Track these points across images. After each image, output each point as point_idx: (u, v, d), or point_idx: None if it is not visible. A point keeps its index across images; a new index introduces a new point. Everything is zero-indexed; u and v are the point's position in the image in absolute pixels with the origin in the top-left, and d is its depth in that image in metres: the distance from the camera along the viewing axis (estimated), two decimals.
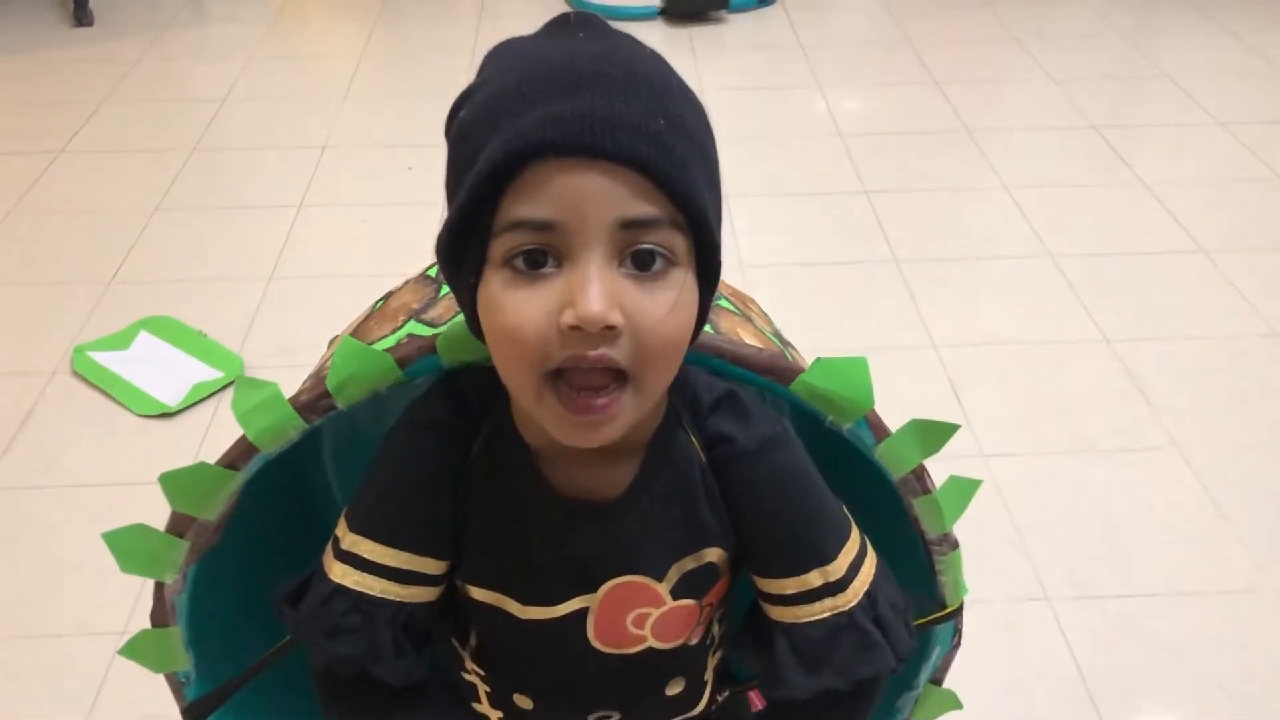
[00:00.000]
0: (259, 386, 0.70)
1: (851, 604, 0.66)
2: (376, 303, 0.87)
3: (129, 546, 0.76)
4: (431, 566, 0.66)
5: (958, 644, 0.83)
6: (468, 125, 0.56)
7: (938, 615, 0.78)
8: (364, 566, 0.65)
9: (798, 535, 0.66)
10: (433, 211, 2.31)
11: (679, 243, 0.55)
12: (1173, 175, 2.45)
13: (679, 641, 0.70)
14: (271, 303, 2.04)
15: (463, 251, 0.56)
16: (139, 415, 1.78)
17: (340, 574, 0.65)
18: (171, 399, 1.79)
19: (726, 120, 2.67)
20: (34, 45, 3.10)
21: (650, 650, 0.69)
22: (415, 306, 0.77)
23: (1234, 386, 1.84)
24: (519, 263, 0.53)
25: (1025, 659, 1.39)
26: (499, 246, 0.54)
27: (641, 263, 0.54)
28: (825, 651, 0.65)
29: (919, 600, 0.75)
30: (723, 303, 0.78)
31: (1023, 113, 2.79)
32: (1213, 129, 2.65)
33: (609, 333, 0.52)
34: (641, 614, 0.67)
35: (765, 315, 0.86)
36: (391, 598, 0.65)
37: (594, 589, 0.66)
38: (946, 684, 0.88)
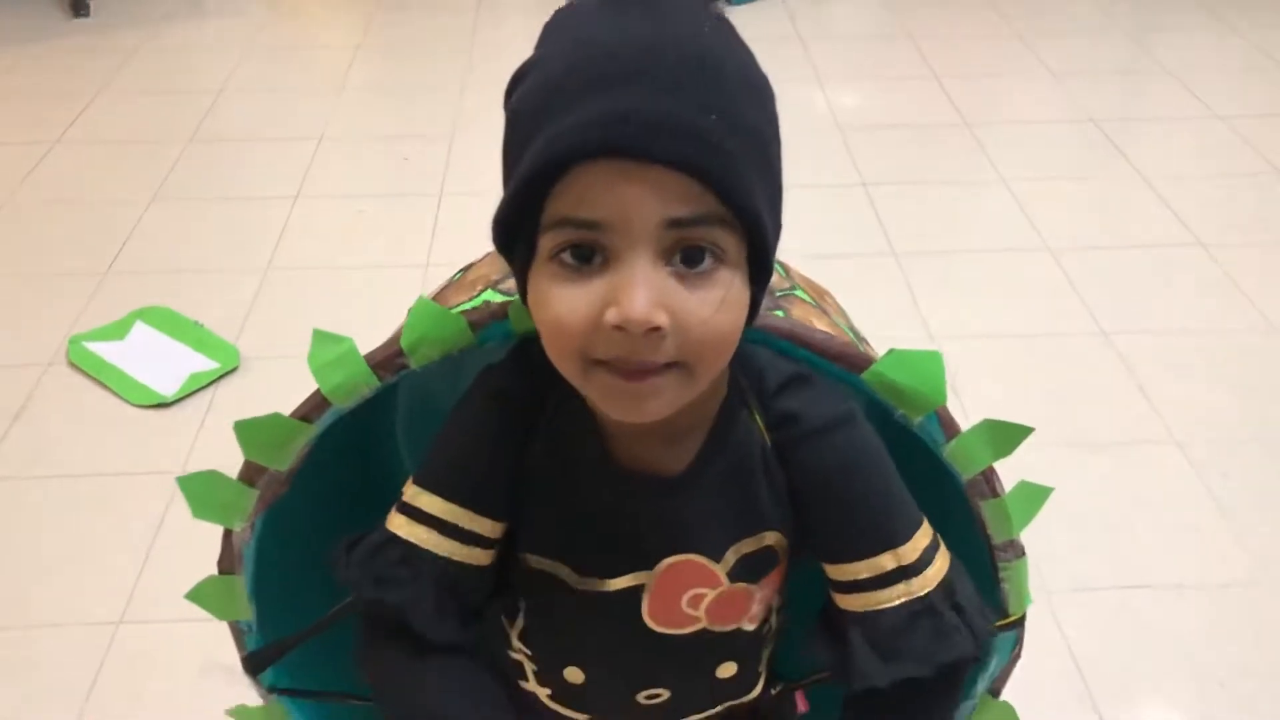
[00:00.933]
0: (336, 341, 0.70)
1: (928, 589, 0.64)
2: (455, 275, 0.87)
3: (201, 492, 0.75)
4: (485, 527, 0.65)
5: (1018, 655, 0.80)
6: (519, 109, 0.55)
7: (999, 624, 0.76)
8: (419, 518, 0.65)
9: (868, 515, 0.64)
10: (429, 202, 2.30)
11: (729, 241, 0.54)
12: (1171, 169, 2.45)
13: (734, 625, 0.69)
14: (268, 293, 2.03)
15: (513, 241, 0.56)
16: (135, 405, 1.77)
17: (397, 525, 0.66)
18: (167, 389, 1.79)
19: None
20: (31, 36, 3.09)
21: (704, 632, 0.68)
22: (494, 277, 0.77)
23: (1231, 380, 1.84)
24: (567, 257, 0.53)
25: (1025, 655, 1.39)
26: (547, 241, 0.54)
27: (689, 259, 0.53)
28: (902, 639, 0.63)
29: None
30: (798, 292, 0.77)
31: (1022, 106, 2.78)
32: (1212, 123, 2.65)
33: (654, 333, 0.52)
34: (697, 594, 0.66)
35: (841, 310, 0.84)
36: (440, 553, 0.65)
37: (650, 566, 0.65)
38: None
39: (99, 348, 1.88)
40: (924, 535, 0.65)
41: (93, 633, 1.42)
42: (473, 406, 0.66)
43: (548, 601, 0.69)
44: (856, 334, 0.81)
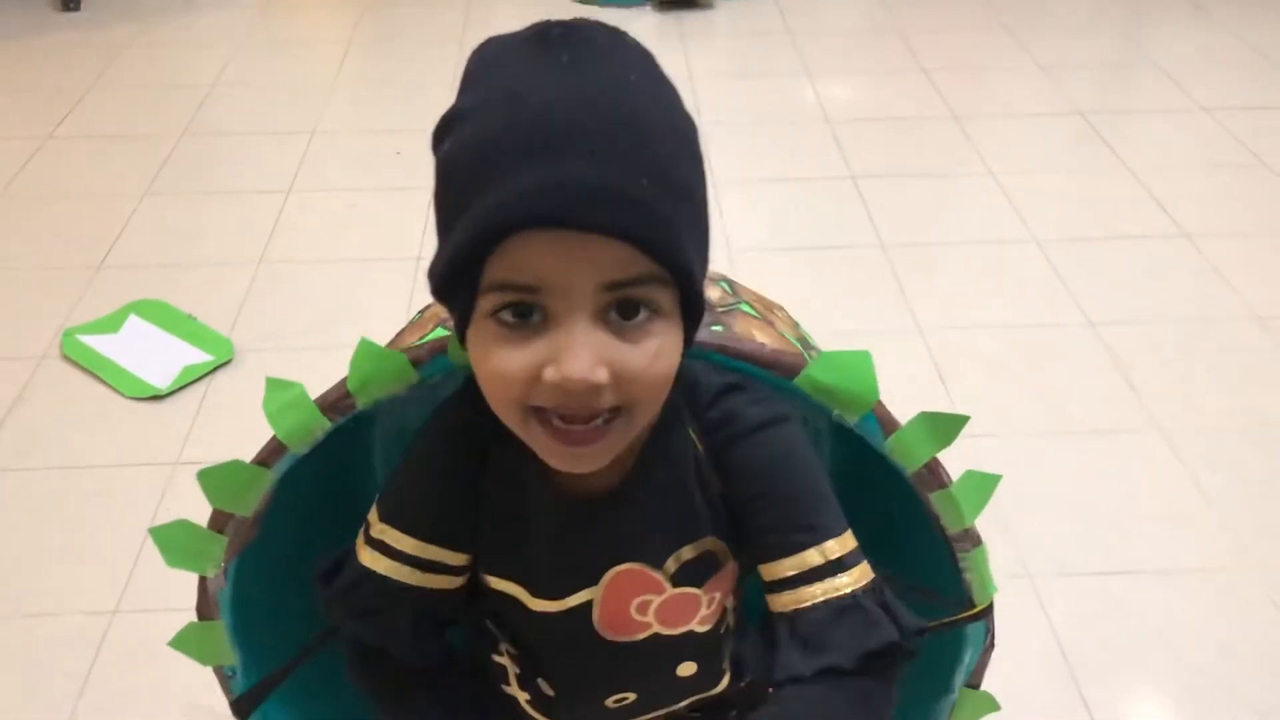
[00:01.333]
0: (287, 387, 0.72)
1: (854, 587, 0.64)
2: (415, 315, 0.89)
3: (173, 541, 0.77)
4: (451, 558, 0.68)
5: (990, 645, 0.81)
6: (453, 162, 0.56)
7: (966, 615, 0.77)
8: (390, 554, 0.67)
9: (795, 511, 0.65)
10: (422, 196, 2.30)
11: (663, 295, 0.56)
12: (1158, 161, 2.47)
13: (684, 628, 0.71)
14: (261, 286, 2.04)
15: (453, 295, 0.58)
16: (128, 398, 1.78)
17: (369, 560, 0.68)
18: (161, 381, 1.80)
19: (715, 107, 2.68)
20: (22, 31, 3.09)
21: (656, 636, 0.70)
22: (443, 315, 0.78)
23: (1216, 369, 1.86)
24: (506, 315, 0.55)
25: (1007, 636, 1.40)
26: (486, 301, 0.56)
27: (625, 313, 0.55)
28: (827, 633, 0.64)
29: (946, 603, 0.75)
30: (743, 307, 0.78)
31: (1010, 100, 2.80)
32: (1198, 115, 2.67)
33: (593, 390, 0.54)
34: (644, 601, 0.68)
35: (793, 322, 0.86)
36: (414, 584, 0.67)
37: (596, 581, 0.68)
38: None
39: (93, 341, 1.89)
40: (850, 540, 0.66)
41: (89, 621, 1.43)
42: (428, 443, 0.68)
43: (511, 618, 0.72)
44: (806, 343, 0.82)
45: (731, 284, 0.83)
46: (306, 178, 2.41)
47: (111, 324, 1.93)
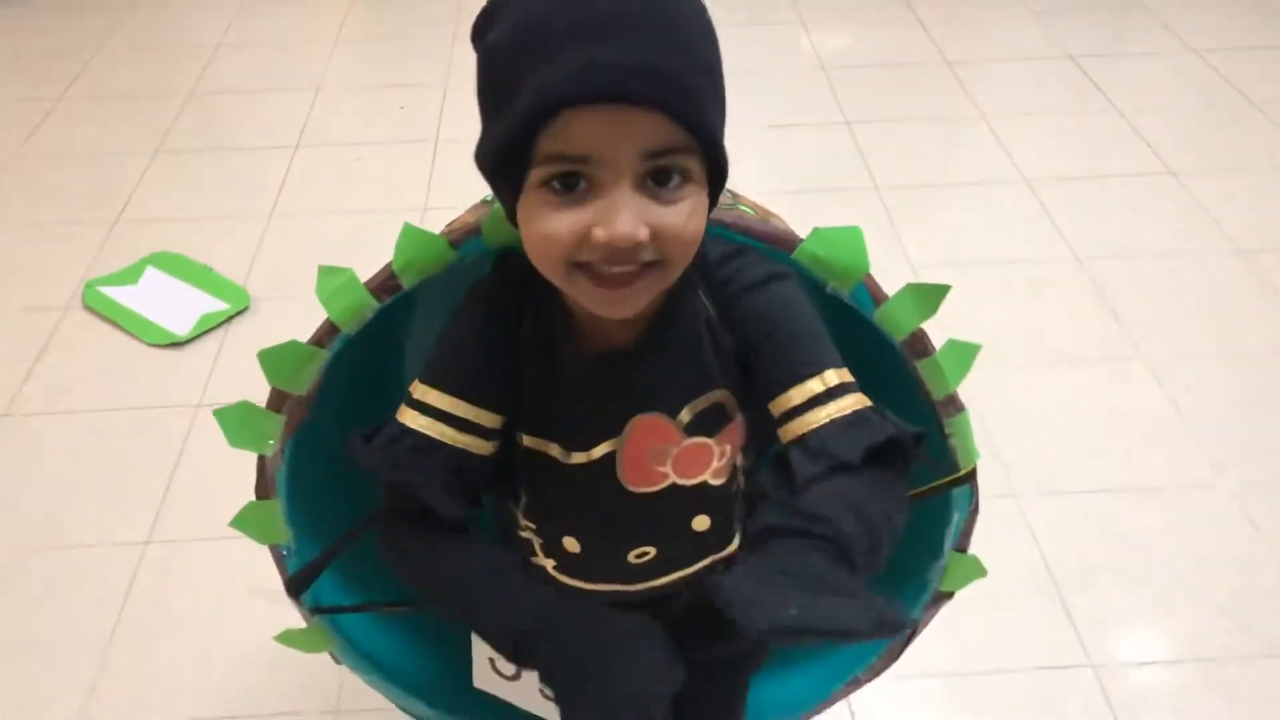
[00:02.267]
0: (338, 273, 0.79)
1: (855, 408, 0.69)
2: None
3: (235, 422, 0.82)
4: (486, 419, 0.74)
5: (975, 509, 0.85)
6: (498, 49, 0.62)
7: (952, 478, 0.81)
8: (428, 411, 0.74)
9: (797, 348, 0.71)
10: (425, 149, 2.37)
11: (693, 163, 0.63)
12: (1147, 102, 2.52)
13: (699, 479, 0.78)
14: (273, 237, 2.11)
15: (503, 172, 0.64)
16: (150, 345, 1.86)
17: (409, 418, 0.74)
18: (180, 329, 1.87)
19: None
20: None
21: (674, 486, 0.77)
22: (472, 222, 0.84)
23: (1198, 301, 1.92)
24: (556, 185, 0.62)
25: (994, 552, 1.47)
26: (538, 173, 0.62)
27: (660, 180, 0.62)
28: (833, 443, 0.68)
29: (933, 465, 0.80)
30: (741, 207, 0.84)
31: (1003, 45, 2.84)
32: (1187, 56, 2.71)
33: (637, 247, 0.62)
34: (661, 450, 0.75)
35: (788, 227, 0.92)
36: (447, 441, 0.73)
37: (619, 430, 0.74)
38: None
39: (113, 292, 1.96)
40: (847, 373, 0.72)
41: (122, 552, 1.51)
42: (465, 313, 0.75)
43: (543, 478, 0.78)
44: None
45: (733, 194, 0.89)
46: (313, 133, 2.46)
47: (130, 275, 2.00)
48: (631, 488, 0.77)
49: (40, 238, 2.14)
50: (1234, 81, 2.58)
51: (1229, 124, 2.44)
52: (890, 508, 0.67)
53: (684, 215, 0.63)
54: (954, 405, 0.80)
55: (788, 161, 2.34)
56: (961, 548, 0.89)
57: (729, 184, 0.90)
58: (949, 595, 0.92)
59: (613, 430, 0.75)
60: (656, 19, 0.60)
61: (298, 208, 2.21)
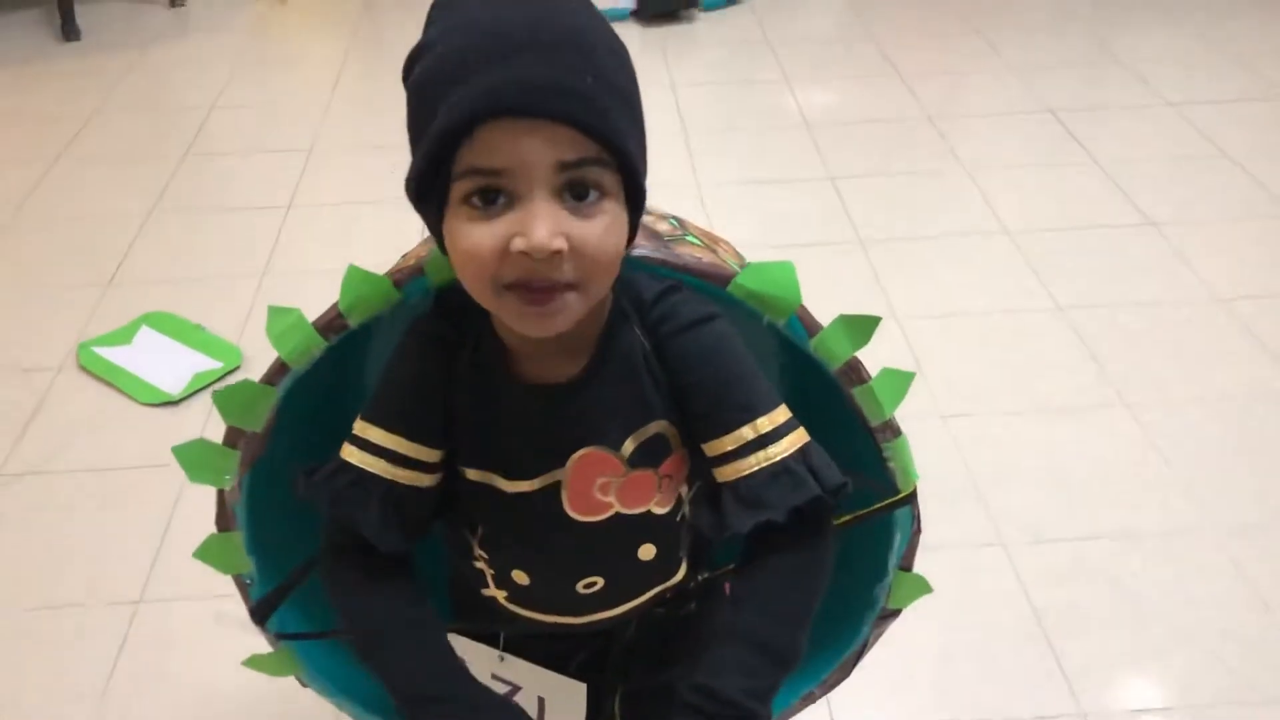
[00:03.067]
0: (286, 313, 0.82)
1: (784, 454, 0.74)
2: (396, 262, 0.97)
3: (193, 457, 0.86)
4: (425, 454, 0.76)
5: (918, 530, 0.89)
6: (423, 83, 0.66)
7: (892, 501, 0.85)
8: (367, 448, 0.76)
9: (728, 393, 0.75)
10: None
11: (608, 177, 0.66)
12: (1125, 155, 2.57)
13: (643, 508, 0.80)
14: (266, 297, 2.13)
15: (428, 192, 0.67)
16: (143, 404, 1.87)
17: (348, 454, 0.77)
18: (174, 388, 1.88)
19: (700, 114, 2.78)
20: (25, 60, 3.19)
21: (618, 516, 0.79)
22: (414, 264, 0.87)
23: (1177, 347, 1.95)
24: (476, 201, 0.65)
25: (982, 601, 1.50)
26: (458, 189, 0.65)
27: (578, 194, 0.65)
28: (761, 493, 0.73)
29: (875, 488, 0.84)
30: (689, 238, 0.87)
31: (982, 100, 2.90)
32: (1164, 110, 2.77)
33: (555, 257, 0.64)
34: (605, 482, 0.77)
35: (736, 252, 0.94)
36: (386, 476, 0.76)
37: (564, 463, 0.77)
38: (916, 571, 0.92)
39: (107, 352, 1.98)
40: (782, 413, 0.76)
41: (114, 611, 1.51)
42: (404, 350, 0.78)
43: (488, 508, 0.81)
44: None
45: (680, 220, 0.92)
46: (305, 193, 2.50)
47: (124, 335, 2.02)
48: (576, 516, 0.79)
49: (35, 298, 2.16)
50: (1209, 134, 2.64)
51: (1206, 175, 2.49)
52: (811, 588, 0.76)
53: (601, 229, 0.66)
54: (890, 430, 0.84)
55: (773, 216, 2.38)
56: (906, 566, 0.92)
57: (675, 210, 0.93)
58: (896, 612, 0.95)
59: (555, 462, 0.77)
60: (567, 44, 0.64)
61: (290, 267, 2.23)
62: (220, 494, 0.88)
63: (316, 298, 2.23)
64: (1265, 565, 1.53)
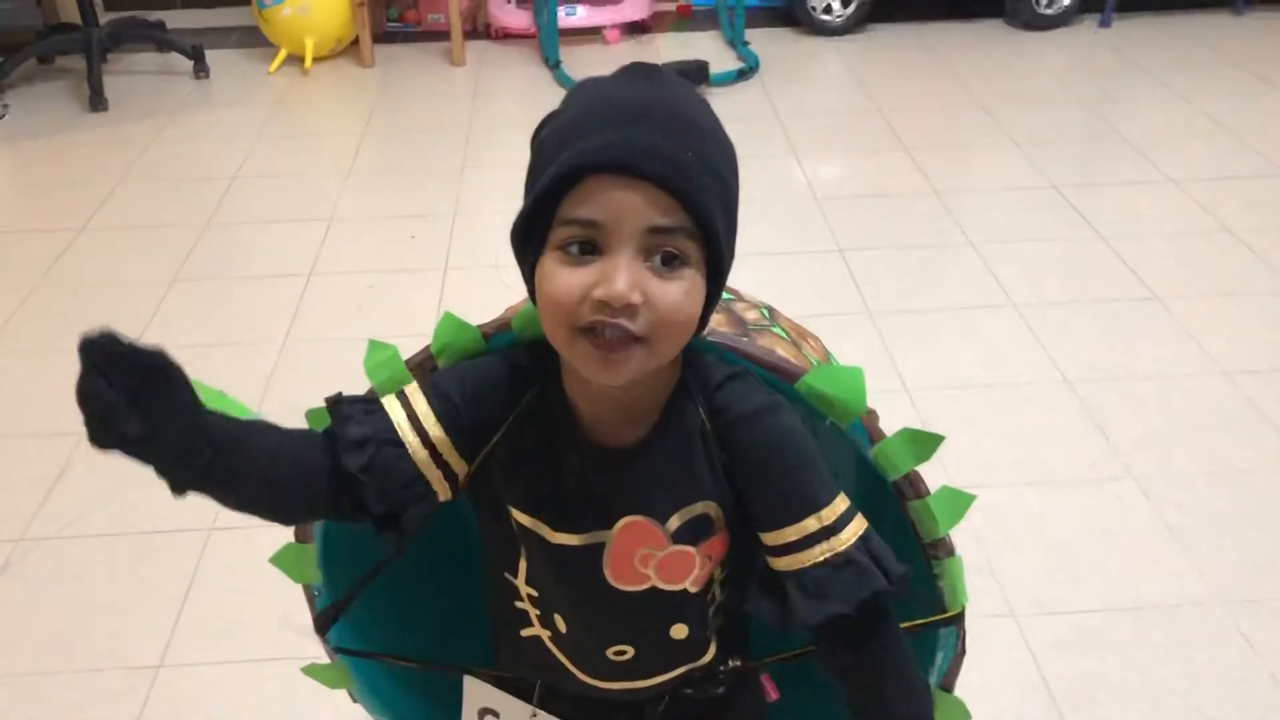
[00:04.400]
0: (383, 348, 0.86)
1: (847, 544, 0.75)
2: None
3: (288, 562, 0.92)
4: (448, 449, 0.78)
5: (962, 651, 0.87)
6: (545, 141, 0.73)
7: (939, 618, 0.84)
8: (409, 413, 0.78)
9: (793, 485, 0.77)
10: (436, 277, 2.46)
11: (692, 248, 0.70)
12: (1129, 229, 2.62)
13: (680, 585, 0.82)
14: (286, 364, 2.17)
15: (530, 235, 0.72)
16: None
17: (389, 403, 0.79)
18: None
19: None
20: (53, 130, 3.27)
21: (654, 590, 0.81)
22: (504, 319, 0.93)
23: (1183, 419, 1.98)
24: (572, 249, 0.69)
25: (993, 671, 1.51)
26: (557, 236, 0.70)
27: (663, 260, 0.69)
28: (828, 586, 0.75)
29: (920, 599, 0.84)
30: (775, 329, 0.89)
31: (987, 174, 2.96)
32: (1166, 186, 2.83)
33: (630, 309, 0.68)
34: (646, 554, 0.80)
35: (826, 353, 0.96)
36: (400, 437, 0.77)
37: (609, 526, 0.79)
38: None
39: None
40: (843, 501, 0.77)
41: (134, 676, 1.53)
42: (481, 362, 0.83)
43: (534, 552, 0.83)
44: (830, 363, 0.93)
45: (771, 310, 0.94)
46: (326, 262, 2.55)
47: None
48: (615, 583, 0.81)
49: (58, 364, 2.18)
50: (1211, 210, 2.69)
51: (1209, 250, 2.54)
52: (905, 666, 0.81)
53: (679, 292, 0.70)
54: (944, 549, 0.83)
55: (783, 287, 2.42)
56: (947, 687, 0.91)
57: (767, 300, 0.96)
58: None
59: (602, 523, 0.79)
60: (678, 123, 0.70)
61: (311, 334, 2.28)
62: None
63: (336, 363, 2.27)
64: (1275, 639, 1.54)
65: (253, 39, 3.86)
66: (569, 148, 0.69)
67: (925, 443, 0.80)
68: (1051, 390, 2.07)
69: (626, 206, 0.68)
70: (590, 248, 0.69)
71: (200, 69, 3.64)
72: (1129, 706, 1.46)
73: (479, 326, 0.85)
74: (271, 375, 2.14)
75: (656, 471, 0.78)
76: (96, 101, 3.37)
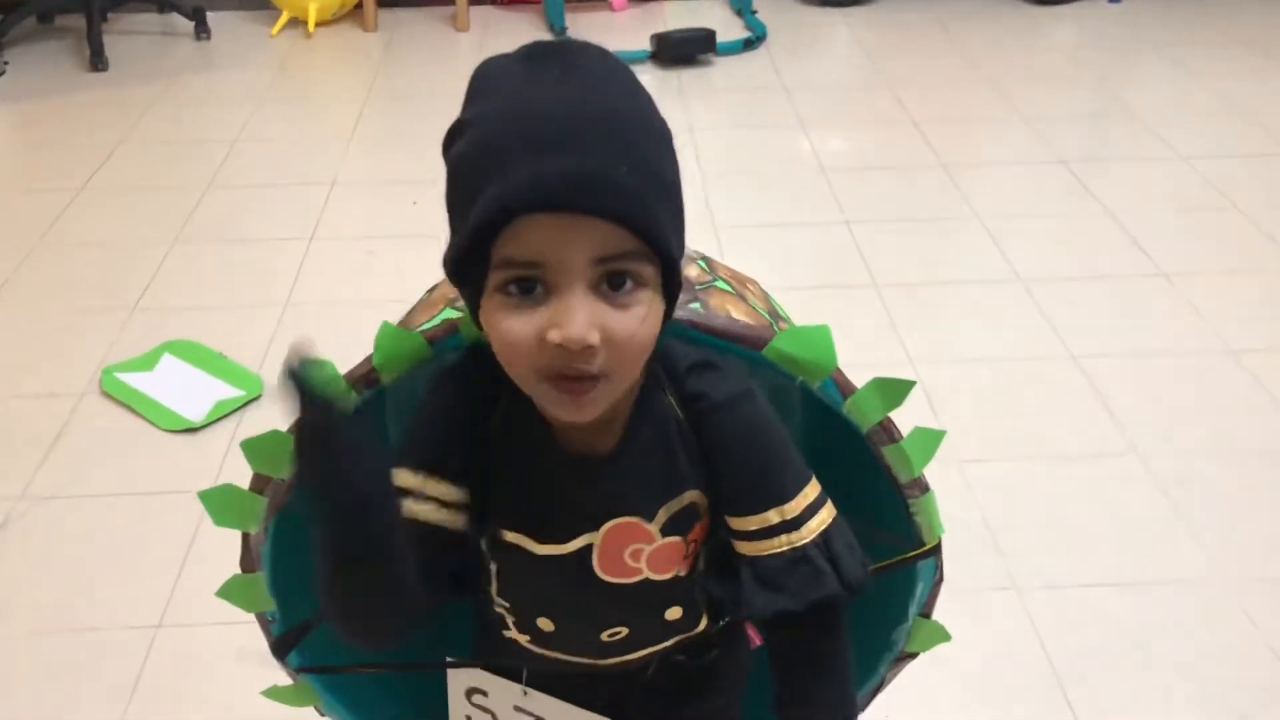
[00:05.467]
0: (321, 365, 0.80)
1: (805, 540, 0.76)
2: (424, 294, 0.98)
3: (220, 503, 0.86)
4: (444, 491, 0.75)
5: (939, 579, 0.91)
6: (460, 164, 0.66)
7: (916, 553, 0.87)
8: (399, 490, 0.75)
9: (759, 478, 0.76)
10: (437, 243, 2.43)
11: (645, 268, 0.66)
12: (1136, 206, 2.60)
13: (671, 574, 0.81)
14: (288, 327, 2.16)
15: (465, 276, 0.67)
16: (165, 431, 1.89)
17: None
18: (195, 415, 1.91)
19: (715, 157, 2.82)
20: (52, 89, 3.24)
21: (647, 581, 0.80)
22: (451, 295, 0.88)
23: (1189, 398, 1.97)
24: (513, 289, 0.65)
25: (995, 644, 1.51)
26: (495, 278, 0.65)
27: (614, 284, 0.65)
28: (781, 578, 0.76)
29: (899, 541, 0.85)
30: (718, 284, 0.88)
31: (995, 149, 2.94)
32: (1175, 163, 2.81)
33: (588, 350, 0.64)
34: (637, 549, 0.78)
35: (764, 295, 0.95)
36: (420, 518, 0.74)
37: (597, 528, 0.77)
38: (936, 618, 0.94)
39: (130, 378, 2.00)
40: (810, 491, 0.77)
41: (134, 636, 1.52)
42: (436, 392, 0.78)
43: (518, 566, 0.81)
44: (776, 314, 0.92)
45: (708, 261, 0.93)
46: (327, 226, 2.53)
47: (147, 362, 2.04)
48: (606, 578, 0.80)
49: (59, 325, 2.19)
50: (1219, 187, 2.67)
51: (1216, 227, 2.52)
52: (842, 670, 0.82)
53: (636, 321, 0.66)
54: (919, 487, 0.85)
55: (788, 259, 2.41)
56: (926, 613, 0.94)
57: (703, 250, 0.95)
58: (913, 655, 0.97)
59: (588, 526, 0.77)
60: (606, 131, 0.64)
61: (311, 298, 2.26)
62: (245, 536, 0.89)
63: (338, 328, 2.27)
64: (1277, 616, 1.54)
65: (255, 1, 3.82)
66: (492, 182, 0.63)
67: (895, 389, 0.81)
68: (1057, 366, 2.06)
69: (570, 243, 0.63)
70: (534, 285, 0.65)
71: (201, 30, 3.60)
72: (1130, 681, 1.46)
73: (421, 331, 0.80)
74: (272, 339, 2.12)
75: (638, 471, 0.77)
76: (97, 61, 3.34)
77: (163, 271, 2.36)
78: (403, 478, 0.75)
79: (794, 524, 0.76)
